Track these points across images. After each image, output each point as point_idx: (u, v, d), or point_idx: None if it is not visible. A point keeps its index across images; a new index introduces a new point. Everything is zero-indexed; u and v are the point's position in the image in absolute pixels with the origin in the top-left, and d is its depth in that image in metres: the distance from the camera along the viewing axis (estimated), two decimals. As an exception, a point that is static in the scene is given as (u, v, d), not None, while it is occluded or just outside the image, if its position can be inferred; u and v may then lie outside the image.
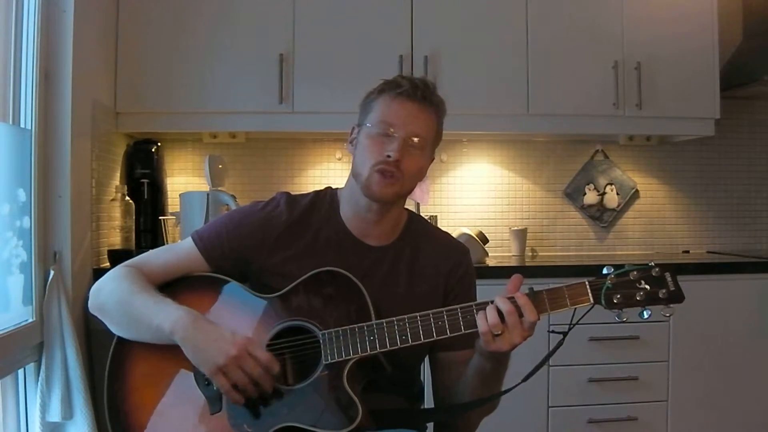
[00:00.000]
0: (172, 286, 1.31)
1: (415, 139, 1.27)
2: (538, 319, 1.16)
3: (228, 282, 1.32)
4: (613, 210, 3.06)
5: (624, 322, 1.18)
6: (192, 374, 1.24)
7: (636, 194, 3.09)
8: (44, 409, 1.86)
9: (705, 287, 2.49)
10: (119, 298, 1.28)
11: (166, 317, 1.20)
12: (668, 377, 2.49)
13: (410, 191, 1.34)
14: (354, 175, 1.32)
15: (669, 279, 1.18)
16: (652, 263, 1.20)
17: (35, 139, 1.92)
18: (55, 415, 1.86)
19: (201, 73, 2.54)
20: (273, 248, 1.32)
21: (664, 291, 1.17)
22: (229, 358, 1.15)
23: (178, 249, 1.37)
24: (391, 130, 1.27)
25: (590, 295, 1.17)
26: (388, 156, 1.25)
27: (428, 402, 1.49)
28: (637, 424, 2.46)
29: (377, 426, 1.22)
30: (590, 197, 3.04)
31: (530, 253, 2.95)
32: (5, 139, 1.82)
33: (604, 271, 1.19)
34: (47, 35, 1.98)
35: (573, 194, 3.06)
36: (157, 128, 2.62)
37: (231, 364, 1.15)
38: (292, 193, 1.40)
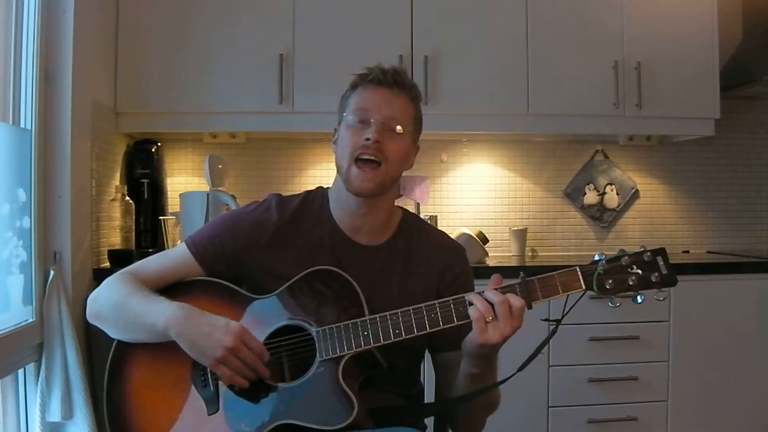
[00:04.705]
0: (167, 291, 1.31)
1: (394, 123, 1.27)
2: (529, 307, 1.15)
3: (223, 285, 1.32)
4: (613, 210, 3.06)
5: (617, 306, 1.17)
6: (190, 376, 1.25)
7: (636, 194, 3.09)
8: (44, 409, 1.86)
9: (705, 287, 2.49)
10: (115, 303, 1.28)
11: (160, 314, 1.21)
12: (668, 377, 2.49)
13: (395, 180, 1.32)
14: (337, 169, 1.32)
15: (661, 263, 1.18)
16: (643, 247, 1.19)
17: (35, 139, 1.92)
18: (55, 415, 1.87)
19: (201, 73, 2.54)
20: (265, 250, 1.33)
21: (656, 275, 1.17)
22: (225, 349, 1.16)
23: (172, 254, 1.38)
24: (368, 115, 1.27)
25: (582, 281, 1.16)
26: (367, 139, 1.25)
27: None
28: (637, 424, 2.46)
29: (376, 424, 1.22)
30: (590, 197, 3.04)
31: (530, 253, 2.95)
32: (5, 139, 1.82)
33: (596, 257, 1.18)
34: (47, 35, 1.98)
35: (573, 194, 3.06)
36: (157, 128, 2.62)
37: (228, 354, 1.16)
38: (284, 194, 1.40)
